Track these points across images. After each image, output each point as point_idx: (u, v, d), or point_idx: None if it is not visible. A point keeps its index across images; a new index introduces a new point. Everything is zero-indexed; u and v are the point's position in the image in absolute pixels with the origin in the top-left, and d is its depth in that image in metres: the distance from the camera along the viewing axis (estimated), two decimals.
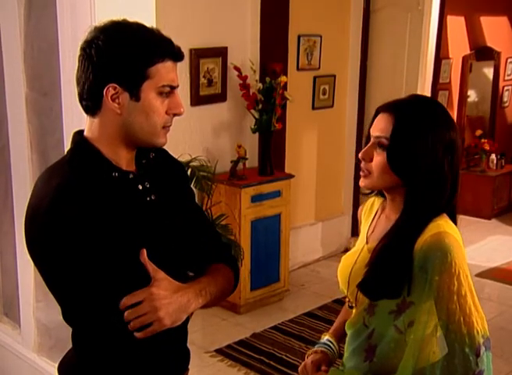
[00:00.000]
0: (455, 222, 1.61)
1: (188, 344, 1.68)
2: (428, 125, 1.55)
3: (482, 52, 6.72)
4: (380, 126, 1.58)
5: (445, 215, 1.59)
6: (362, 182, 1.63)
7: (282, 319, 4.24)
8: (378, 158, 1.57)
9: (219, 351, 3.80)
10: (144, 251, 1.41)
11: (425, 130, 1.54)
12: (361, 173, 1.62)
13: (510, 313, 4.47)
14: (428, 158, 1.53)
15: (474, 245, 5.79)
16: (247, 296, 4.29)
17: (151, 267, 1.42)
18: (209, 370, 3.62)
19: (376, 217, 1.73)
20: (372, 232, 1.71)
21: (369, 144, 1.60)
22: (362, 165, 1.61)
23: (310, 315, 4.29)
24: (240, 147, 4.21)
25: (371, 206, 1.79)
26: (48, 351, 3.06)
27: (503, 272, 5.24)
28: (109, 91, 1.42)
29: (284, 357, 3.67)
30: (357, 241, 1.79)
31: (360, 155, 1.61)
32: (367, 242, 1.69)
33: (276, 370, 3.57)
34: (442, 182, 1.56)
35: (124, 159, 1.50)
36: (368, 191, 1.73)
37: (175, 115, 1.49)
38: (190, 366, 1.70)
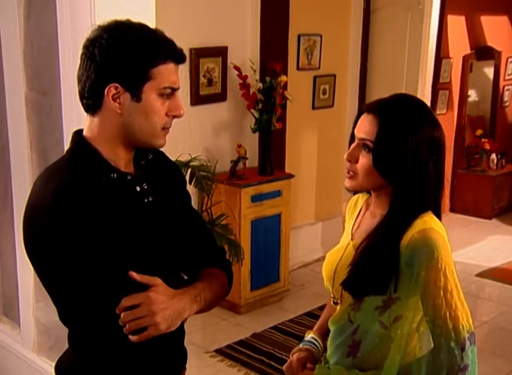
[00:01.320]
0: (439, 218, 1.63)
1: (188, 344, 1.68)
2: (412, 126, 1.56)
3: (483, 52, 6.72)
4: (365, 128, 1.59)
5: (430, 212, 1.61)
6: (348, 183, 1.64)
7: (282, 319, 4.25)
8: (364, 160, 1.59)
9: (219, 352, 3.80)
10: (133, 273, 1.40)
11: (410, 131, 1.55)
12: (347, 175, 1.63)
13: (511, 313, 4.47)
14: (414, 159, 1.55)
15: (475, 245, 5.79)
16: (247, 296, 4.29)
17: (146, 279, 1.42)
18: (209, 370, 3.62)
19: (361, 214, 1.75)
20: (357, 228, 1.72)
21: (354, 146, 1.62)
22: (348, 166, 1.63)
23: (310, 315, 4.28)
24: (239, 146, 4.20)
25: (356, 203, 1.81)
26: (47, 351, 3.06)
27: (504, 272, 5.23)
28: (110, 90, 1.42)
29: (284, 357, 3.67)
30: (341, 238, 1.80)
31: (345, 156, 1.63)
32: (352, 238, 1.71)
33: (276, 370, 3.57)
34: (427, 181, 1.58)
35: (123, 160, 1.51)
36: (353, 191, 1.75)
37: (175, 117, 1.50)
38: (189, 366, 1.70)
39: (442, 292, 1.50)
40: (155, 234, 1.52)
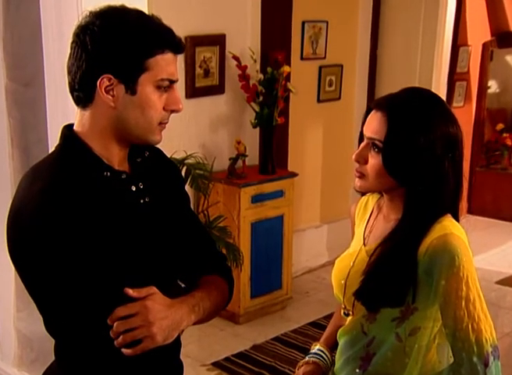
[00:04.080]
0: (457, 221, 1.64)
1: (183, 357, 1.69)
2: (424, 123, 1.57)
3: (505, 38, 6.70)
4: (373, 127, 1.61)
5: (449, 215, 1.62)
6: (357, 183, 1.66)
7: (284, 329, 4.26)
8: (373, 161, 1.60)
9: (217, 365, 3.81)
10: (128, 290, 1.41)
11: (422, 129, 1.56)
12: (356, 174, 1.65)
13: None
14: (427, 159, 1.57)
15: (495, 249, 5.79)
16: (246, 304, 4.31)
17: (142, 293, 1.42)
18: None
19: (372, 217, 1.76)
20: (370, 233, 1.74)
21: (363, 146, 1.63)
22: (356, 167, 1.64)
23: (315, 325, 4.30)
24: (239, 143, 4.21)
25: (366, 205, 1.83)
26: (29, 365, 3.07)
27: None
28: (103, 82, 1.43)
29: (287, 371, 3.69)
30: (351, 243, 1.81)
31: (354, 157, 1.64)
32: (364, 244, 1.72)
33: None
34: (443, 181, 1.59)
35: (116, 157, 1.52)
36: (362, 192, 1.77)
37: (173, 111, 1.51)
38: None
39: (463, 303, 1.51)
40: (151, 238, 1.53)
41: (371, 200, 1.81)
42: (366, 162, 1.62)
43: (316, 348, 1.85)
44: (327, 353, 1.83)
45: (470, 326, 1.50)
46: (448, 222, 1.59)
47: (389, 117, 1.58)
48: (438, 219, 1.59)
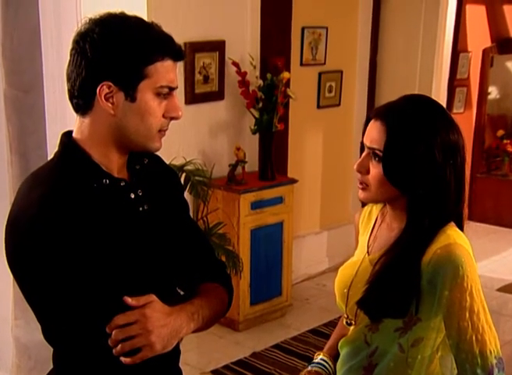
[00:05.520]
0: (461, 229, 1.64)
1: (182, 364, 1.69)
2: (423, 131, 1.57)
3: (505, 44, 6.71)
4: (373, 137, 1.61)
5: (453, 223, 1.62)
6: (361, 194, 1.66)
7: (284, 336, 4.25)
8: (375, 170, 1.61)
9: (216, 372, 3.81)
10: (127, 299, 1.41)
11: (421, 137, 1.56)
12: (359, 186, 1.65)
13: None
14: (427, 167, 1.57)
15: (496, 256, 5.79)
16: (246, 312, 4.30)
17: (141, 301, 1.42)
18: None
19: (376, 225, 1.76)
20: (374, 242, 1.73)
21: (364, 155, 1.64)
22: (359, 177, 1.65)
23: (315, 332, 4.29)
24: (238, 149, 4.22)
25: (369, 214, 1.82)
26: (27, 373, 3.06)
27: None
28: (103, 89, 1.43)
29: None
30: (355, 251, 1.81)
31: (355, 167, 1.65)
32: (368, 253, 1.72)
33: None
34: (445, 189, 1.59)
35: (115, 164, 1.52)
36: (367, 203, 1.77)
37: (172, 118, 1.51)
38: None
39: (467, 314, 1.50)
40: (150, 245, 1.53)
41: (375, 209, 1.81)
42: (368, 171, 1.62)
43: (319, 357, 1.84)
44: (330, 363, 1.82)
45: (474, 337, 1.50)
46: (452, 231, 1.59)
47: (387, 126, 1.58)
48: (442, 228, 1.58)
